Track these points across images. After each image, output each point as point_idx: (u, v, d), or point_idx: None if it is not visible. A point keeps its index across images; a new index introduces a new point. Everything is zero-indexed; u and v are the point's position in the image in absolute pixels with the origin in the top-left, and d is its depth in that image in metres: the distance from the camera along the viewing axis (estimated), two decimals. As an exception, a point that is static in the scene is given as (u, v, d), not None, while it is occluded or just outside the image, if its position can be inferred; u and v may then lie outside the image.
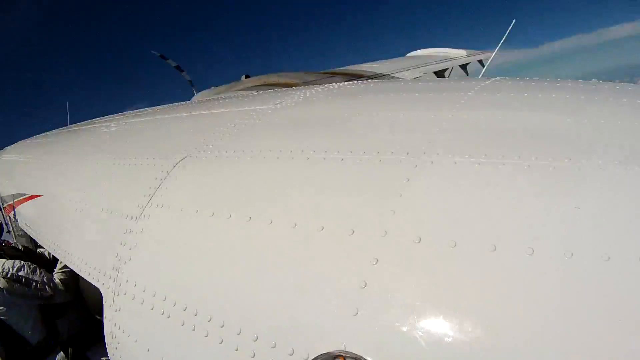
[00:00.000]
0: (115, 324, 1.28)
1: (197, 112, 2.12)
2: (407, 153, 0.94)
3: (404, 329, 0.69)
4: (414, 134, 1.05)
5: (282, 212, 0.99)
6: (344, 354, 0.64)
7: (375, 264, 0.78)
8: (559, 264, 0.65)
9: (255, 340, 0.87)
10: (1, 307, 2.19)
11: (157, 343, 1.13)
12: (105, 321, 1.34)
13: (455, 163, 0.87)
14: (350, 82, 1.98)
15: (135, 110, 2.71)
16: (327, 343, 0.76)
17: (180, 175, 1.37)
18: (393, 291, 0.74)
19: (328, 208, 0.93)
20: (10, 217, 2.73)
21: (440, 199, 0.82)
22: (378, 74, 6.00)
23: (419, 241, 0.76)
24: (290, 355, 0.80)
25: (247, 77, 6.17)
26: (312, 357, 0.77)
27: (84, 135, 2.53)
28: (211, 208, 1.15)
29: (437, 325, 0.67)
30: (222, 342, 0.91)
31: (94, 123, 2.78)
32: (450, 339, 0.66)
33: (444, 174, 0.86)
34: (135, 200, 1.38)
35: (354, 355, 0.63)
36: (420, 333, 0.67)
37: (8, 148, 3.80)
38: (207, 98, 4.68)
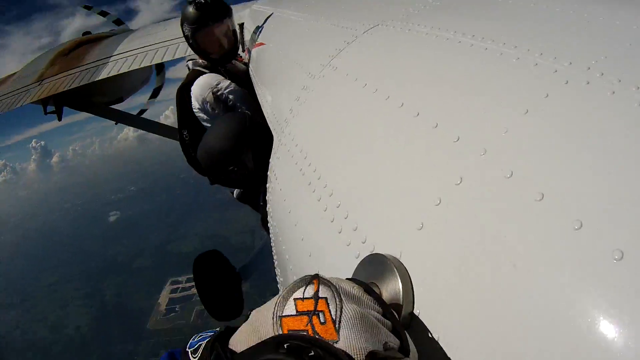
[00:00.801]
0: (274, 170, 1.42)
1: None
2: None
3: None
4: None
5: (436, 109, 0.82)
6: (319, 278, 0.58)
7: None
8: None
9: (346, 218, 0.84)
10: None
11: (291, 197, 1.20)
12: (270, 164, 1.50)
13: None
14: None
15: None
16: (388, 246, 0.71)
17: (366, 41, 1.27)
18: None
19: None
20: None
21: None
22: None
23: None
24: (363, 242, 0.77)
25: None
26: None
27: None
28: (374, 82, 1.04)
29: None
30: (333, 220, 0.88)
31: None
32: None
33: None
34: (319, 59, 1.38)
35: (327, 282, 0.58)
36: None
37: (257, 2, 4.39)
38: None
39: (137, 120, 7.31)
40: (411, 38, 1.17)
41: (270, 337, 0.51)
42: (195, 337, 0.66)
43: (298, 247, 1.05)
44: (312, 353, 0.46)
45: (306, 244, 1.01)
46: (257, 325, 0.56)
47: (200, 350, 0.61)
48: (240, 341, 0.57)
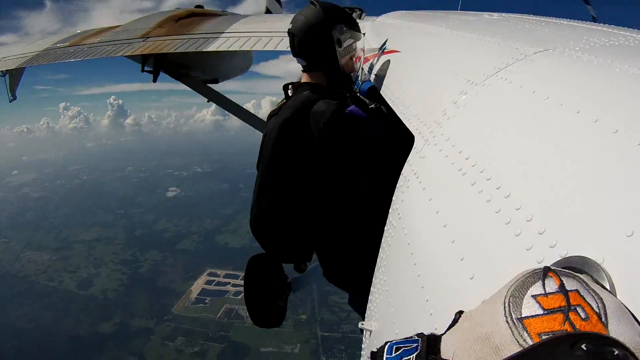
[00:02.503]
0: (414, 169, 1.45)
1: (558, 21, 1.92)
2: None
3: None
4: None
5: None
6: (553, 270, 0.52)
7: None
8: None
9: (529, 221, 0.84)
10: None
11: (441, 197, 1.22)
12: (405, 165, 1.53)
13: None
14: None
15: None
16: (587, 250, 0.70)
17: (538, 61, 1.32)
18: None
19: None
20: (362, 68, 2.97)
21: None
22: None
23: None
24: (552, 247, 0.76)
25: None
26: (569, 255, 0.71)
27: (461, 16, 2.67)
28: (557, 98, 1.06)
29: None
30: (509, 222, 0.89)
31: (474, 12, 2.89)
32: None
33: None
34: (481, 70, 1.42)
35: (566, 272, 0.52)
36: None
37: (389, 13, 4.28)
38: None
39: (229, 104, 7.27)
40: (588, 63, 1.20)
41: (553, 339, 0.43)
42: (386, 348, 0.57)
43: (445, 251, 1.05)
44: (617, 353, 0.39)
45: (458, 247, 1.00)
46: (486, 333, 0.49)
47: None
48: (465, 353, 0.50)
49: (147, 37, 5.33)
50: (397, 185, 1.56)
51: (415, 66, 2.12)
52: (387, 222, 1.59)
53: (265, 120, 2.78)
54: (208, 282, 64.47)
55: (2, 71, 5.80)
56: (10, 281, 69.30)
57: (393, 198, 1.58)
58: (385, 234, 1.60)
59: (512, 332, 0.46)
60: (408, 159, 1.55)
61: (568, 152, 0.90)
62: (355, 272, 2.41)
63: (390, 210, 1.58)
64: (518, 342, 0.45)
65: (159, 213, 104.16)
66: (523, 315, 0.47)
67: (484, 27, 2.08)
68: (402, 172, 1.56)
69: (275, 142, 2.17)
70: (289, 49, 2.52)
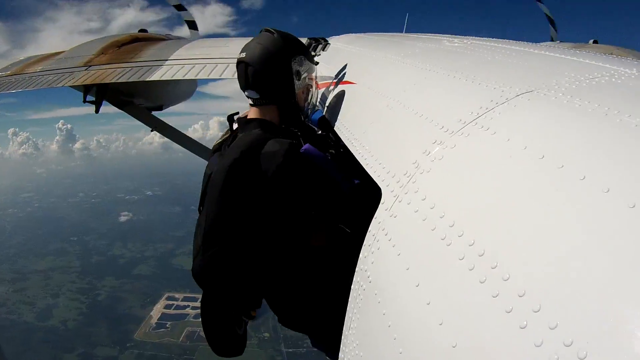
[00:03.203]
0: (384, 229, 1.27)
1: (531, 50, 1.80)
2: None
3: None
4: None
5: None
6: None
7: None
8: None
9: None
10: None
11: (411, 253, 1.11)
12: (373, 222, 1.36)
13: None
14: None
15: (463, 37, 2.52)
16: None
17: (521, 106, 1.15)
18: None
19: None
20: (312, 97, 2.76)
21: None
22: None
23: None
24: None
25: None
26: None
27: (419, 42, 2.50)
28: (543, 152, 0.94)
29: None
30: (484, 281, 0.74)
31: (429, 36, 2.75)
32: None
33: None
34: (458, 115, 1.24)
35: None
36: None
37: (338, 36, 4.18)
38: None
39: (173, 133, 7.19)
40: (574, 110, 1.06)
41: None
42: None
43: (419, 312, 0.96)
44: None
45: (434, 309, 0.92)
46: None
47: None
48: None
49: (89, 66, 5.14)
50: (365, 243, 1.36)
51: (374, 104, 1.92)
52: (354, 282, 1.40)
53: (211, 149, 2.58)
54: (167, 307, 63.78)
55: None
56: (-32, 317, 65.15)
57: (360, 256, 1.38)
58: (354, 294, 1.40)
59: None
60: (376, 215, 1.36)
61: (556, 214, 0.82)
62: (313, 319, 2.29)
63: (357, 269, 1.39)
64: None
65: (112, 238, 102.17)
66: None
67: (450, 58, 1.91)
68: (369, 230, 1.36)
69: (223, 186, 1.96)
70: (235, 78, 2.31)
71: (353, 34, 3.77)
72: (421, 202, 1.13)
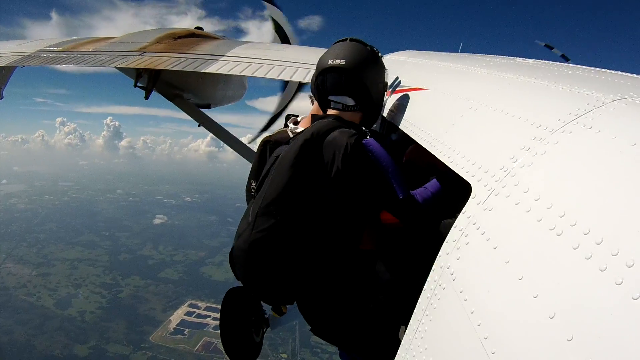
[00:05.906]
0: (476, 222, 1.30)
1: (597, 69, 1.85)
2: None
3: None
4: None
5: None
6: None
7: None
8: None
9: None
10: None
11: (512, 245, 1.12)
12: (461, 216, 1.38)
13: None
14: None
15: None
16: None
17: (620, 109, 1.24)
18: None
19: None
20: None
21: None
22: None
23: None
24: None
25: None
26: None
27: (486, 57, 2.56)
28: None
29: None
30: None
31: (491, 56, 2.83)
32: None
33: None
34: (556, 115, 1.33)
35: None
36: None
37: (393, 53, 4.17)
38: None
39: (220, 130, 7.10)
40: None
41: None
42: None
43: (524, 307, 0.97)
44: None
45: (544, 301, 0.93)
46: None
47: None
48: None
49: (144, 52, 5.08)
50: (448, 240, 1.39)
51: (455, 107, 1.99)
52: (429, 282, 1.40)
53: (258, 145, 2.70)
54: (188, 314, 62.80)
55: None
56: (-13, 292, 65.99)
57: (440, 254, 1.40)
58: (427, 294, 1.39)
59: None
60: (464, 210, 1.38)
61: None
62: (351, 326, 2.17)
63: (434, 267, 1.40)
64: None
65: (144, 239, 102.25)
66: None
67: (527, 69, 2.00)
68: (454, 226, 1.38)
69: (294, 159, 2.03)
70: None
71: (414, 50, 3.88)
72: (523, 194, 1.18)
